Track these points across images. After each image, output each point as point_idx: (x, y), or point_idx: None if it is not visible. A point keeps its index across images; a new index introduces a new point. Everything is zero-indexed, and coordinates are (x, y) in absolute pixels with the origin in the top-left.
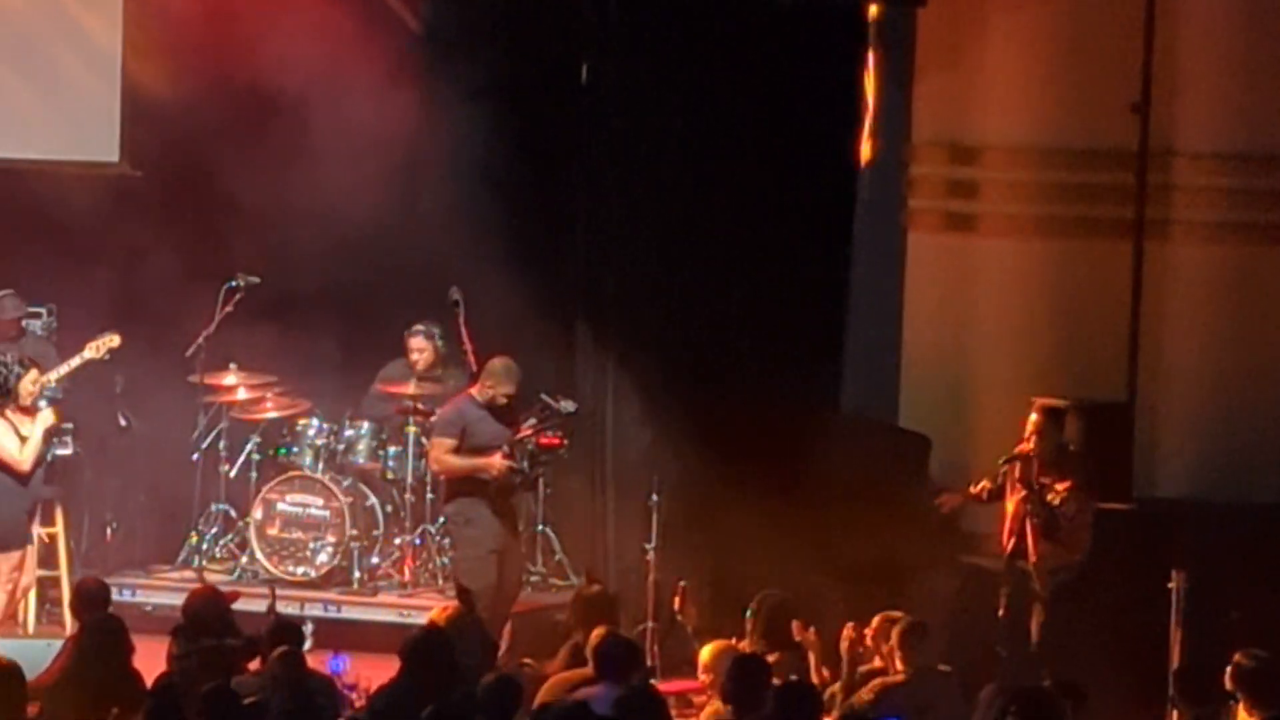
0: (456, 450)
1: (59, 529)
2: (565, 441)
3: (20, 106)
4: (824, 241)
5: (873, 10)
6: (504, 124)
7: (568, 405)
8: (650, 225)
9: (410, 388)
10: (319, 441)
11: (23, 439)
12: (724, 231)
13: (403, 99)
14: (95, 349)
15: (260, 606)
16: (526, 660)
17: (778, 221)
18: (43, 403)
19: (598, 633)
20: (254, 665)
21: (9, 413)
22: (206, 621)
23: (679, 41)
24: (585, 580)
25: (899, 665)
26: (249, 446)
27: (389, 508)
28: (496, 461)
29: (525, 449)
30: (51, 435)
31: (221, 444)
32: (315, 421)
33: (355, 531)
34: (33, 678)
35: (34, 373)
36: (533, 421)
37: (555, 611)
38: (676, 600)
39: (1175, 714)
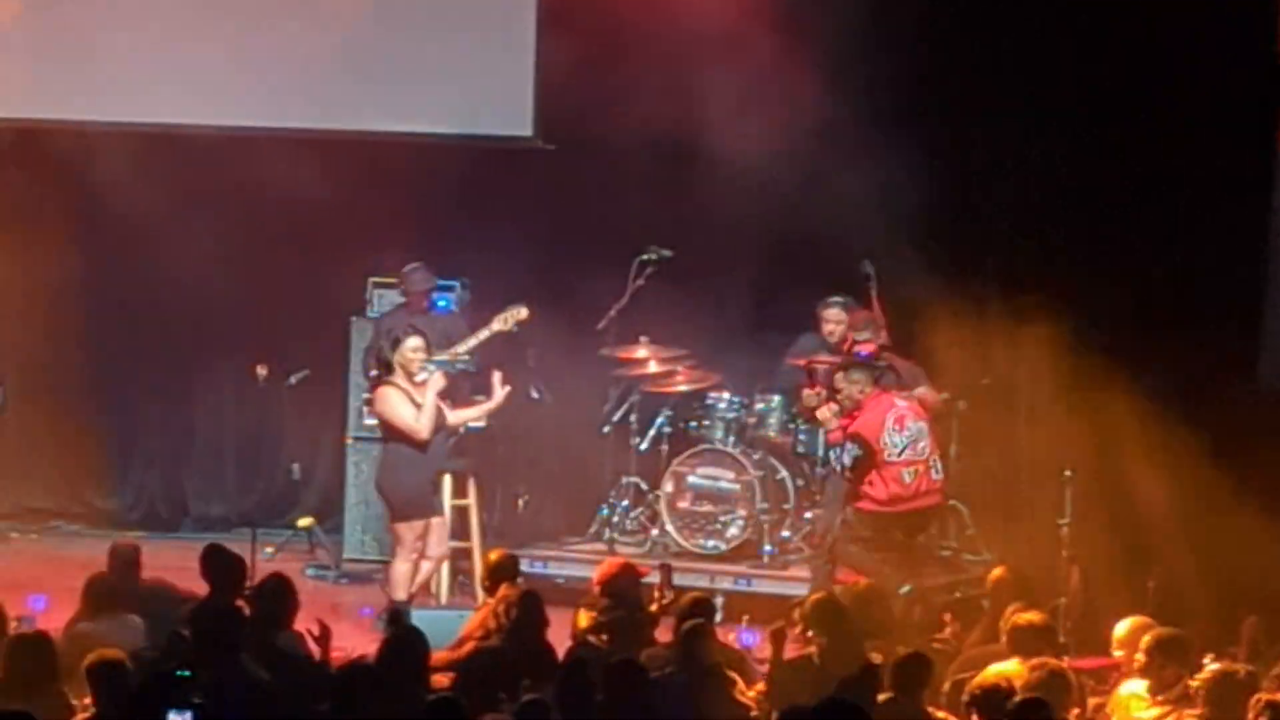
0: None
1: (471, 501)
2: None
3: (435, 82)
4: (1241, 212)
5: None
6: (918, 97)
7: None
8: (1063, 195)
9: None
10: (730, 415)
11: (418, 406)
12: (1139, 203)
13: (816, 67)
14: (503, 321)
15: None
16: (938, 636)
17: (1194, 193)
18: (431, 367)
19: (1011, 609)
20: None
21: (400, 382)
22: (619, 594)
23: (1087, 8)
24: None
25: None
26: (660, 420)
27: (799, 481)
28: None
29: None
30: (443, 400)
31: (632, 417)
32: (726, 395)
33: (766, 505)
34: (445, 648)
35: (413, 340)
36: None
37: (964, 587)
38: (1075, 577)
39: None
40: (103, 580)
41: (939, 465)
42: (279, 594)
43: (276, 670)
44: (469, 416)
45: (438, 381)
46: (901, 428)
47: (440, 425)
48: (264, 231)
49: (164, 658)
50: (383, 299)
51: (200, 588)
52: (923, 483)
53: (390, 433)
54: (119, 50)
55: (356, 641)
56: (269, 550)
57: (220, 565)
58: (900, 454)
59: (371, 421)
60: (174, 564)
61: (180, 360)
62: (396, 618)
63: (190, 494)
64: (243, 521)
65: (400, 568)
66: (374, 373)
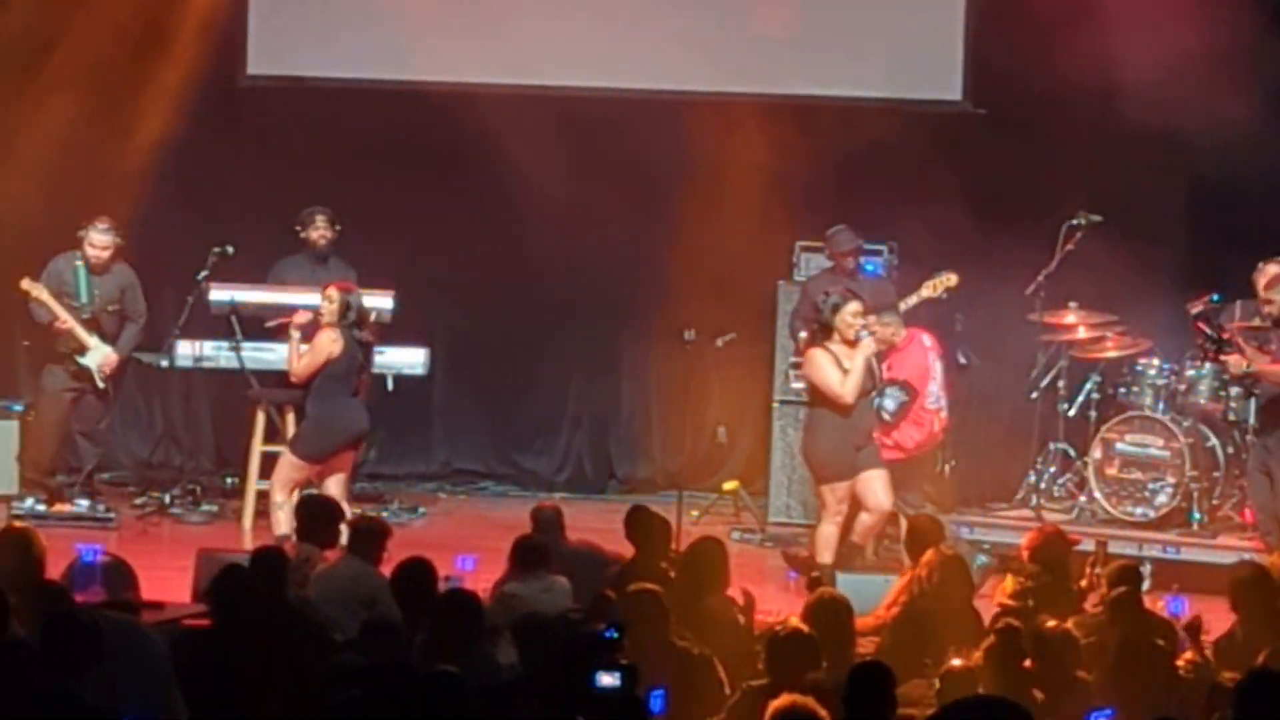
0: None
1: None
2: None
3: (864, 45)
4: None
5: None
6: None
7: None
8: None
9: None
10: (1159, 381)
11: (845, 371)
12: None
13: (1249, 23)
14: (932, 287)
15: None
16: None
17: None
18: (865, 334)
19: None
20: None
21: (831, 346)
22: (1048, 561)
23: None
24: None
25: None
26: (1088, 386)
27: (1230, 449)
28: None
29: None
30: (870, 366)
31: (1060, 383)
32: (1156, 361)
33: (1195, 473)
34: (870, 613)
35: (853, 304)
36: None
37: None
38: None
39: None
40: (531, 542)
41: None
42: (711, 557)
43: (703, 634)
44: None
45: (868, 346)
46: (935, 374)
47: (868, 390)
48: (693, 195)
49: (590, 619)
50: (809, 263)
51: (626, 550)
52: (940, 424)
53: (816, 396)
54: (549, 15)
55: (782, 605)
56: (694, 513)
57: (646, 527)
58: (934, 401)
59: (798, 385)
60: (599, 525)
61: (608, 323)
62: (818, 581)
63: (616, 456)
64: (668, 484)
65: (825, 530)
66: (802, 335)
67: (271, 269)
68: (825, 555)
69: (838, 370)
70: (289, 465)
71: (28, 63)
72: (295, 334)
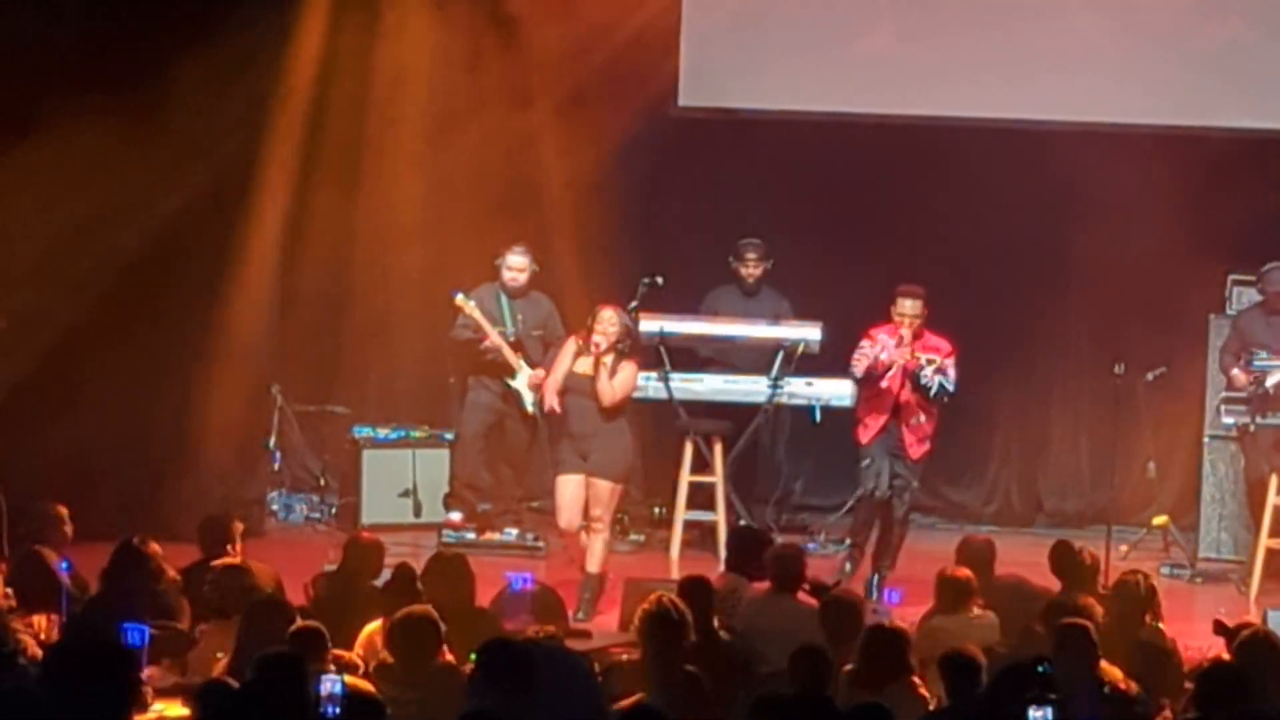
0: None
1: None
2: None
3: None
4: None
5: None
6: None
7: None
8: None
9: None
10: None
11: None
12: None
13: None
14: None
15: None
16: None
17: None
18: None
19: None
20: None
21: None
22: None
23: None
24: None
25: None
26: None
27: None
28: None
29: None
30: None
31: None
32: None
33: None
34: None
35: None
36: None
37: None
38: None
39: None
40: (958, 575)
41: None
42: (1138, 591)
43: (1133, 669)
44: None
45: None
46: None
47: None
48: (1127, 226)
49: (1017, 653)
50: (1241, 296)
51: (1053, 583)
52: None
53: None
54: (984, 46)
55: (1209, 641)
56: (1123, 548)
57: (1072, 561)
58: None
59: (1229, 420)
60: (1027, 559)
61: (1037, 356)
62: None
63: (1044, 489)
64: (1097, 518)
65: None
66: (1234, 370)
67: (703, 299)
68: None
69: None
70: (615, 494)
71: (458, 84)
72: (606, 360)
